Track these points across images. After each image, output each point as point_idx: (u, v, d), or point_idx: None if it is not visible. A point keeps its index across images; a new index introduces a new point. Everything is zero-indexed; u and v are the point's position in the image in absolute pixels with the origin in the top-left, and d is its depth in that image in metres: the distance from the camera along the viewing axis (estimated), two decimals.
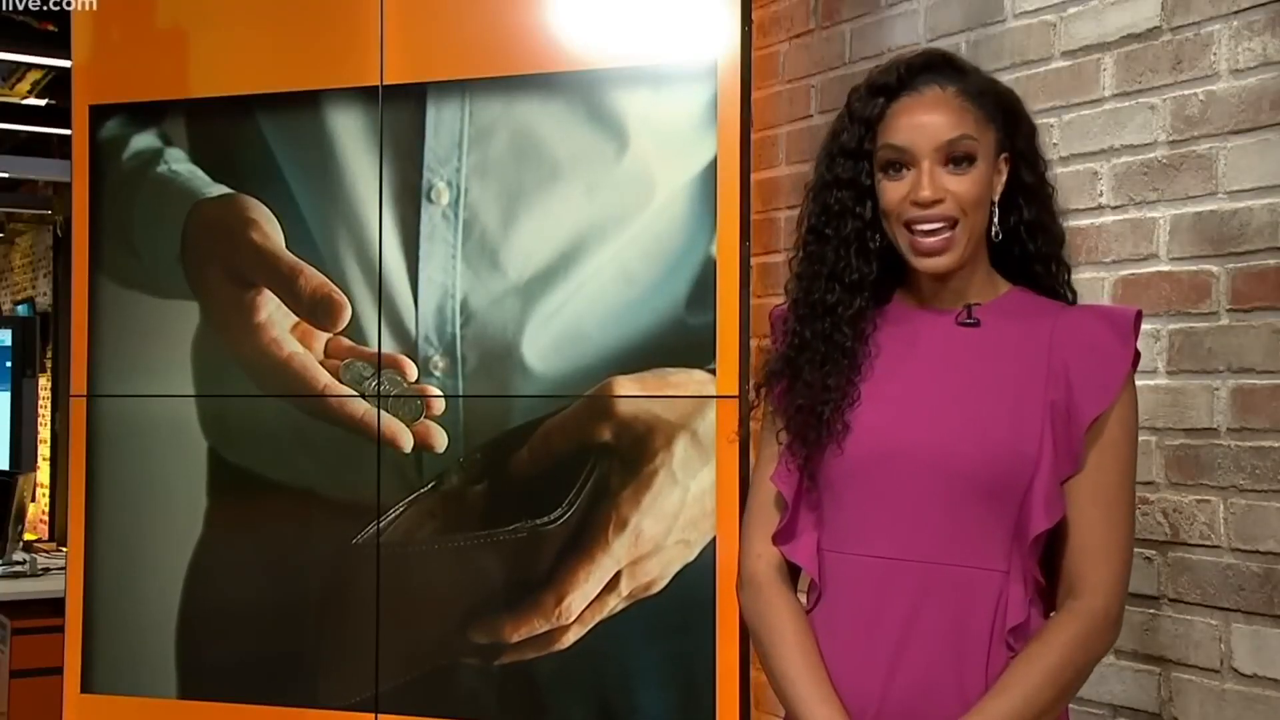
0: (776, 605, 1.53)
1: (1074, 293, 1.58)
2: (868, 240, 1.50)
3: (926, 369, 1.50)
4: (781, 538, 1.55)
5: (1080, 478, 1.44)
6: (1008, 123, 1.51)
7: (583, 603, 2.28)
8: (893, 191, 1.46)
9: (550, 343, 2.32)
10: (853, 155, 1.49)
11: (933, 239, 1.45)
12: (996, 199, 1.49)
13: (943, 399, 1.47)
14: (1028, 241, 1.53)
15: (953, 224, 1.45)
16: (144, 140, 2.58)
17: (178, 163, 2.56)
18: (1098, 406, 1.43)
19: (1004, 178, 1.50)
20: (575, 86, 2.31)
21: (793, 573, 1.58)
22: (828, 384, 1.50)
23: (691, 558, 2.23)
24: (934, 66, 1.50)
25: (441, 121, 2.38)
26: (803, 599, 1.59)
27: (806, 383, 1.51)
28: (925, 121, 1.45)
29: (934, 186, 1.44)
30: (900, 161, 1.46)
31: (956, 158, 1.45)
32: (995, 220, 1.49)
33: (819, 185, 1.54)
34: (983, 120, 1.47)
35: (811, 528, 1.53)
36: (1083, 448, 1.44)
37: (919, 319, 1.53)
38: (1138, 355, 1.48)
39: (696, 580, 2.22)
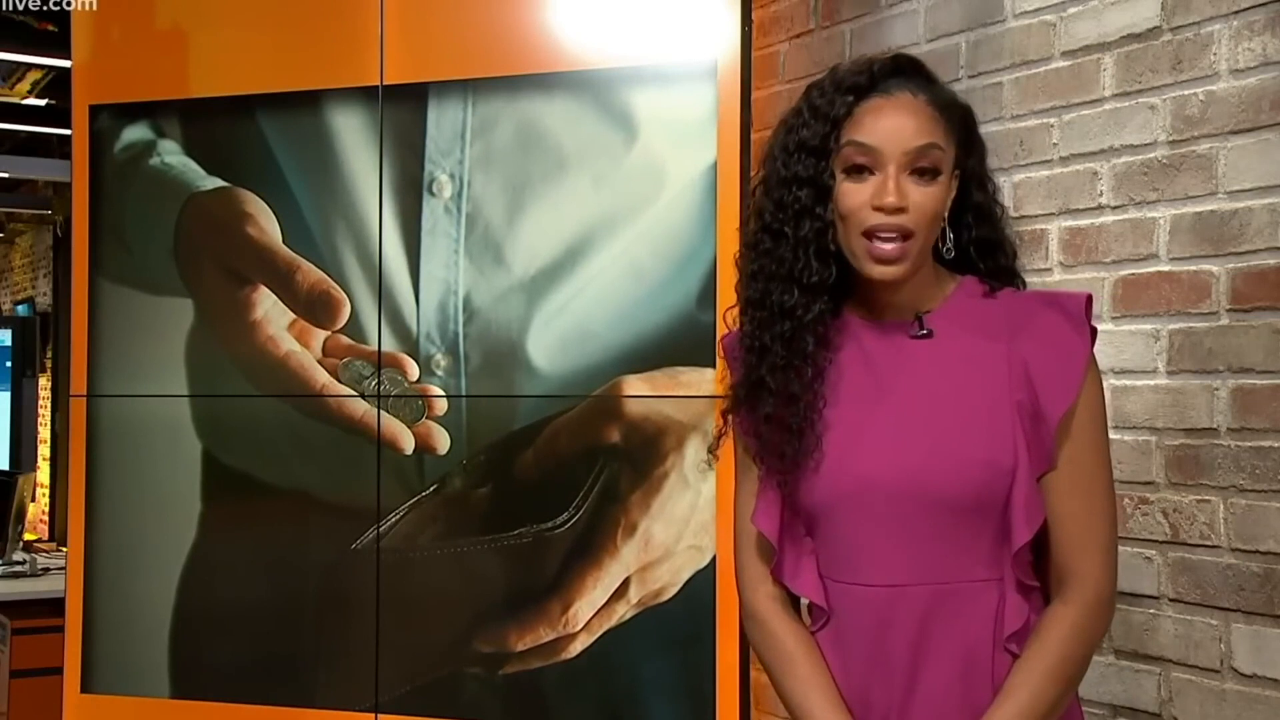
0: (783, 636, 1.51)
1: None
2: (826, 242, 1.44)
3: (888, 388, 1.46)
4: (777, 575, 1.53)
5: (1056, 472, 1.43)
6: (964, 139, 1.47)
7: (590, 610, 2.24)
8: (854, 195, 1.41)
9: (556, 340, 2.28)
10: (815, 152, 1.43)
11: (890, 246, 1.41)
12: (946, 215, 1.46)
13: (909, 420, 1.44)
14: (983, 259, 1.50)
15: (908, 236, 1.41)
16: (136, 132, 2.56)
17: (171, 155, 2.54)
18: (1064, 403, 1.42)
19: (953, 194, 1.46)
20: (576, 85, 2.30)
21: (795, 598, 1.57)
22: (792, 392, 1.45)
23: (703, 564, 2.19)
24: (905, 71, 1.46)
25: (444, 113, 2.35)
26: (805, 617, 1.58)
27: (771, 391, 1.46)
28: (896, 125, 1.41)
29: (899, 193, 1.40)
30: (865, 163, 1.42)
31: (922, 168, 1.41)
32: (949, 238, 1.46)
33: (775, 180, 1.47)
34: (948, 133, 1.44)
35: (807, 554, 1.51)
36: (1055, 444, 1.43)
37: (870, 334, 1.49)
38: (1094, 335, 1.46)
39: (709, 587, 2.19)
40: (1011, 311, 1.46)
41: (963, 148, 1.46)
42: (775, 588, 1.53)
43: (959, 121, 1.46)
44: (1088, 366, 1.44)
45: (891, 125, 1.41)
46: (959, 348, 1.46)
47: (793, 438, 1.45)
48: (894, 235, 1.40)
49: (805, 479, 1.46)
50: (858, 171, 1.42)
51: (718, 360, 2.17)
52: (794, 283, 1.45)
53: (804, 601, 1.54)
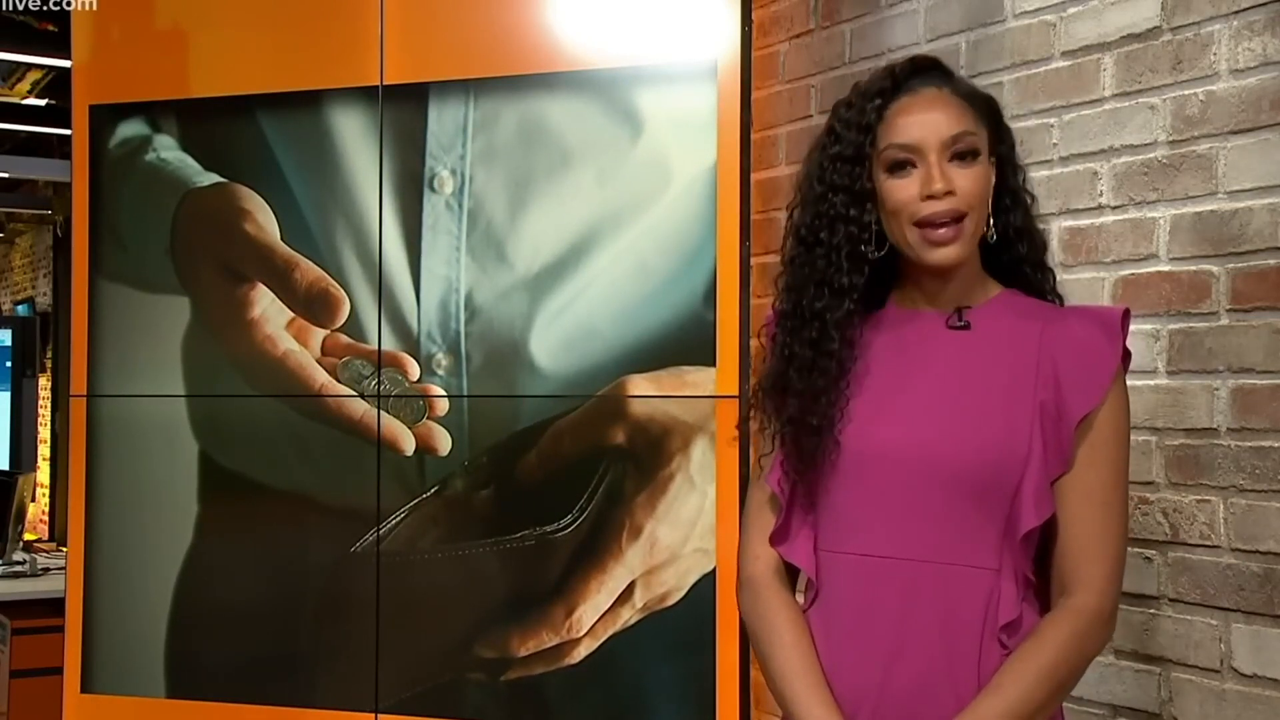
0: (774, 606, 1.54)
1: (1060, 297, 1.60)
2: (860, 245, 1.50)
3: (917, 370, 1.51)
4: (778, 539, 1.56)
5: (1071, 476, 1.45)
6: (994, 126, 1.53)
7: (594, 615, 2.22)
8: (901, 190, 1.47)
9: (560, 339, 2.26)
10: (850, 160, 1.50)
11: (944, 230, 1.46)
12: (990, 199, 1.51)
13: (933, 399, 1.48)
14: (1017, 245, 1.55)
15: (960, 218, 1.46)
16: (132, 128, 2.55)
17: (167, 150, 2.52)
18: (1086, 405, 1.44)
19: (992, 180, 1.52)
20: (577, 85, 2.30)
21: (791, 573, 1.59)
22: (816, 393, 1.51)
23: (710, 567, 2.17)
24: (925, 70, 1.53)
25: (445, 109, 2.32)
26: (800, 598, 1.60)
27: (797, 393, 1.52)
28: (929, 118, 1.47)
29: (946, 179, 1.46)
30: (907, 160, 1.48)
31: (961, 152, 1.48)
32: (991, 222, 1.51)
33: (811, 197, 1.55)
34: (977, 119, 1.51)
35: (807, 528, 1.54)
36: (1073, 446, 1.44)
37: (911, 322, 1.54)
38: (1127, 354, 1.49)
39: (715, 591, 2.17)
40: (1049, 319, 1.51)
41: (994, 134, 1.53)
42: (775, 559, 1.56)
43: (985, 109, 1.53)
44: (1115, 376, 1.46)
45: (924, 119, 1.48)
46: (992, 344, 1.50)
47: (813, 436, 1.50)
48: (947, 219, 1.46)
49: (822, 456, 1.51)
50: (900, 168, 1.48)
51: (716, 358, 2.19)
52: (825, 286, 1.52)
53: (799, 581, 1.56)
